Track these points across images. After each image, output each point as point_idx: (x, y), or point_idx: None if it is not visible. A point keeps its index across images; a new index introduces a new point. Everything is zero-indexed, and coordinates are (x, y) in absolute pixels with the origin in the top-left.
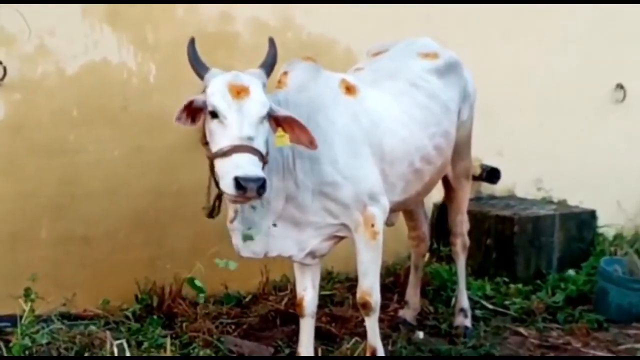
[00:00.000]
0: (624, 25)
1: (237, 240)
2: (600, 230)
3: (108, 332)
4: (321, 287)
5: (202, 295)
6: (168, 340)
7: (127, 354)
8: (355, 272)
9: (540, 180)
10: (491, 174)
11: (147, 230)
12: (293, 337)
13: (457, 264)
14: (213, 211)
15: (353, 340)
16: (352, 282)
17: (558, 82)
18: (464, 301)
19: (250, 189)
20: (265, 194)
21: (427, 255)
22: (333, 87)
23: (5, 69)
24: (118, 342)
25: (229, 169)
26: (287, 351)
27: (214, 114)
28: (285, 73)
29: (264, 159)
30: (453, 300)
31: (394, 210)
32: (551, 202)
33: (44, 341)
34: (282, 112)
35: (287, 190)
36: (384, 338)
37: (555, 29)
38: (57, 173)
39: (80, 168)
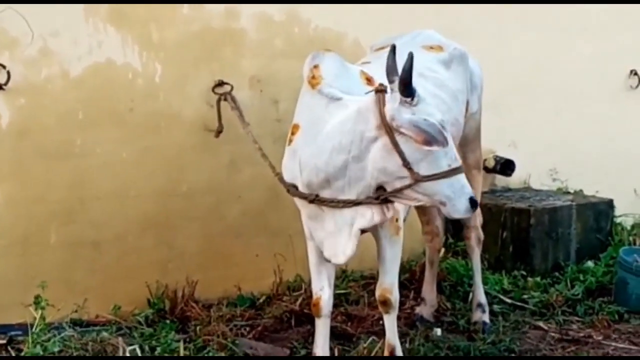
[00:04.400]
0: (637, 12)
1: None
2: (618, 220)
3: (120, 338)
4: (336, 286)
5: None
6: (181, 345)
7: None
8: (370, 270)
9: (555, 170)
10: (505, 166)
11: (157, 233)
12: (309, 338)
13: (472, 258)
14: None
15: (370, 339)
16: (367, 280)
17: (571, 71)
18: (481, 296)
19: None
20: None
21: (443, 250)
22: (357, 78)
23: (9, 73)
24: (131, 347)
25: (457, 191)
26: (302, 352)
27: None
28: (316, 66)
29: None
30: (470, 295)
31: None
32: (567, 193)
33: (56, 349)
34: None
35: None
36: (402, 336)
37: (567, 18)
38: (65, 177)
39: (88, 171)
